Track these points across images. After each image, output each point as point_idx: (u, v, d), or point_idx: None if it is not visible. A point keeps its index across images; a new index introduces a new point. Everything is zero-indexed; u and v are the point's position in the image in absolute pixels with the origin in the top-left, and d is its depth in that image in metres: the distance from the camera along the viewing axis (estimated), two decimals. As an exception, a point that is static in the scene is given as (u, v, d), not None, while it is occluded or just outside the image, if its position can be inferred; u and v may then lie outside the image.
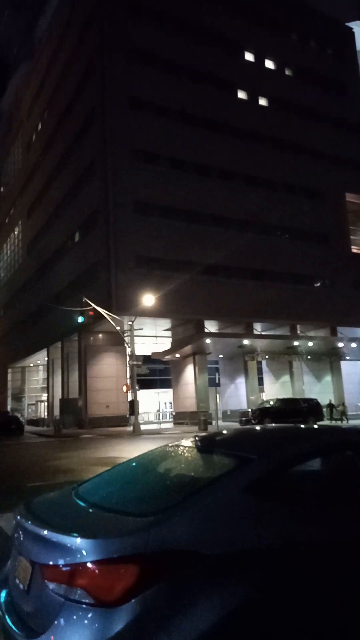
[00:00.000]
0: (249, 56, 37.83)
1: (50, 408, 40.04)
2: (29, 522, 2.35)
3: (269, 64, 38.70)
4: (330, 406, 32.74)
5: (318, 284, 36.83)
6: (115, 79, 31.34)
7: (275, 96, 37.66)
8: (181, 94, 32.98)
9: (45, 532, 2.19)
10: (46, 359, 41.59)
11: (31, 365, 50.39)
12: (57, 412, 36.97)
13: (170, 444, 3.30)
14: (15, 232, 53.21)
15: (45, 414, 41.84)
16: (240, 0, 37.30)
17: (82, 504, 2.54)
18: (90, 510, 2.45)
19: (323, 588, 2.12)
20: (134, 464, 3.20)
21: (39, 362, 47.50)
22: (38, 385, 50.75)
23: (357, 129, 40.49)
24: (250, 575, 2.01)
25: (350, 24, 44.10)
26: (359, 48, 44.10)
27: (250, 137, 35.24)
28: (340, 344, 36.17)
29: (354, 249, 39.08)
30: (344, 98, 41.16)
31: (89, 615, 1.91)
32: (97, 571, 1.95)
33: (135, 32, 32.46)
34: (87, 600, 1.93)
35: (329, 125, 38.98)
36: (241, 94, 36.67)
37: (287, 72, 39.51)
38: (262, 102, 37.48)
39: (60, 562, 2.03)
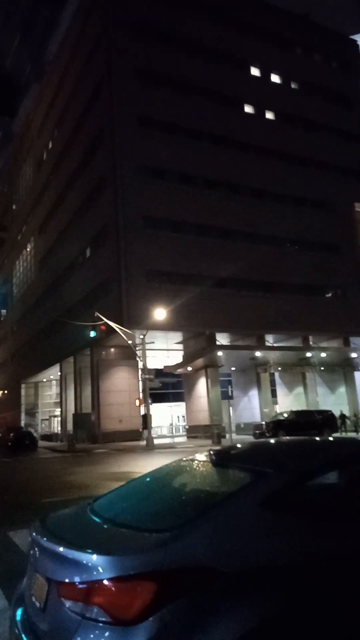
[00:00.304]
0: (254, 71, 38.26)
1: (63, 423, 40.05)
2: (45, 539, 2.34)
3: (275, 78, 39.10)
4: (342, 417, 32.19)
5: (329, 295, 36.65)
6: (123, 98, 31.86)
7: (282, 110, 37.97)
8: (188, 111, 33.39)
9: (61, 548, 2.18)
10: (59, 374, 41.75)
11: (44, 380, 50.59)
12: (70, 427, 36.96)
13: (184, 459, 3.28)
14: (28, 249, 53.89)
15: (59, 429, 41.85)
16: (245, 17, 37.85)
17: (97, 520, 2.52)
18: (106, 526, 2.44)
19: (344, 602, 2.08)
20: (148, 479, 3.18)
21: (51, 377, 47.68)
22: (51, 400, 50.84)
23: (365, 140, 40.59)
24: (270, 591, 1.98)
25: (355, 37, 44.52)
26: (365, 60, 44.34)
27: (258, 150, 35.49)
28: (354, 355, 35.83)
29: (365, 259, 38.89)
30: (349, 110, 41.38)
31: (106, 634, 1.89)
32: (113, 589, 1.93)
33: (142, 51, 33.04)
34: (104, 619, 1.91)
35: (335, 138, 39.14)
36: (248, 109, 37.03)
37: (293, 85, 39.85)
38: (269, 115, 37.80)
39: (77, 579, 2.01)
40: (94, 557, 2.03)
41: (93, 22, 35.61)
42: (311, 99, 39.26)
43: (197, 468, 3.08)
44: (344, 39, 43.44)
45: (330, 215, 37.18)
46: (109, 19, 33.64)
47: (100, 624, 1.91)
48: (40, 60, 49.25)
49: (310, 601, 2.02)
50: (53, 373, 45.02)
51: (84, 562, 2.03)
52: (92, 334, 26.59)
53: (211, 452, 3.28)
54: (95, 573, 1.97)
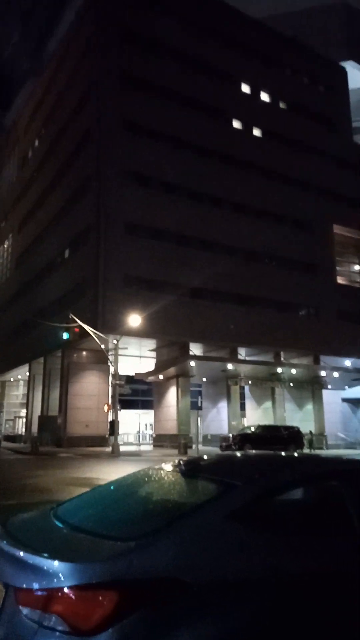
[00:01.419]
0: (243, 87, 38.87)
1: (28, 424, 39.30)
2: (4, 542, 2.26)
3: (264, 96, 39.79)
4: (311, 435, 32.37)
5: (303, 312, 37.22)
6: (111, 103, 31.88)
7: (268, 127, 38.62)
8: (175, 121, 33.63)
9: (21, 553, 2.10)
10: (27, 374, 41.01)
11: (11, 379, 49.60)
12: (35, 429, 36.29)
13: (153, 467, 3.24)
14: (5, 246, 53.02)
15: (23, 430, 41.03)
16: (236, 34, 38.47)
17: (60, 525, 2.46)
18: (69, 532, 2.38)
19: (310, 619, 2.07)
20: (115, 486, 3.13)
21: (19, 377, 46.79)
22: (17, 400, 49.88)
23: (346, 164, 41.65)
24: (234, 605, 1.96)
25: (343, 64, 45.78)
26: (351, 87, 45.67)
27: (242, 165, 35.95)
28: (323, 373, 36.37)
29: (340, 280, 39.72)
30: (334, 133, 42.40)
31: (64, 644, 1.83)
32: (74, 597, 1.87)
33: (132, 58, 33.19)
34: (62, 628, 1.85)
35: (319, 159, 40.00)
36: (235, 123, 37.54)
37: (280, 105, 40.63)
38: (255, 132, 38.38)
39: (36, 585, 1.94)
40: (55, 563, 1.96)
41: (86, 24, 35.63)
42: (297, 120, 40.09)
43: (165, 477, 3.05)
44: (332, 64, 44.61)
45: (309, 235, 37.87)
46: (100, 23, 33.73)
47: (58, 633, 1.85)
48: (40, 56, 48.84)
49: (276, 617, 2.01)
50: (21, 373, 44.20)
51: (45, 568, 1.96)
52: (65, 335, 26.25)
53: (180, 462, 3.25)
54: (55, 580, 1.90)
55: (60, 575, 1.91)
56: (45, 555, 2.03)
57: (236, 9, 39.54)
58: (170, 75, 34.30)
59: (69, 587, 1.88)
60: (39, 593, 1.92)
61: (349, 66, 46.21)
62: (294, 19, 47.74)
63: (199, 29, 36.50)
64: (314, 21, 47.62)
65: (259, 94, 39.57)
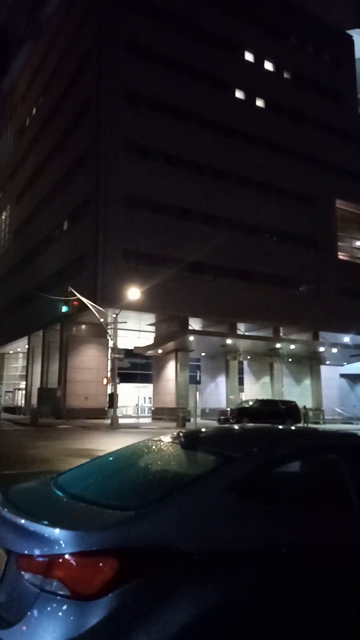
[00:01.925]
0: (247, 57, 37.82)
1: (28, 397, 39.66)
2: (6, 510, 2.29)
3: (268, 66, 38.75)
4: (305, 410, 31.97)
5: (303, 288, 37.14)
6: (112, 72, 31.04)
7: (272, 99, 37.74)
8: (178, 91, 32.83)
9: (23, 520, 2.14)
10: (27, 347, 41.18)
11: (11, 352, 49.82)
12: (34, 401, 36.63)
13: (152, 439, 3.27)
14: (3, 217, 52.46)
15: (23, 402, 41.42)
16: (240, 2, 37.20)
17: (61, 494, 2.49)
18: (70, 501, 2.41)
19: (306, 591, 2.12)
20: (115, 457, 3.16)
21: (19, 349, 46.99)
22: (17, 372, 50.16)
23: (351, 138, 40.86)
24: (231, 575, 2.00)
25: (350, 32, 44.31)
26: (358, 56, 44.36)
27: (245, 137, 35.27)
28: (322, 349, 36.56)
29: (341, 256, 39.49)
30: (339, 106, 41.45)
31: (64, 608, 1.87)
32: (75, 563, 1.91)
33: (134, 26, 32.16)
34: (63, 592, 1.89)
35: (323, 132, 39.22)
36: (238, 94, 36.69)
37: (285, 75, 39.62)
38: (259, 103, 37.54)
39: (37, 552, 1.98)
40: (57, 531, 2.00)
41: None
42: (302, 91, 39.14)
43: (165, 449, 3.07)
44: (338, 32, 43.19)
45: (311, 210, 37.45)
46: (104, -14, 32.52)
47: (59, 598, 1.89)
48: (38, 17, 46.83)
49: (272, 588, 2.05)
50: (20, 346, 44.36)
51: (46, 535, 2.00)
52: (64, 309, 26.22)
53: (180, 434, 3.28)
54: (57, 547, 1.94)
55: (61, 542, 1.95)
56: (46, 522, 2.07)
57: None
58: (172, 44, 33.31)
59: (70, 554, 1.92)
60: (40, 559, 1.96)
61: (357, 35, 44.74)
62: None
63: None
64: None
65: (263, 63, 38.52)
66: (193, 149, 32.60)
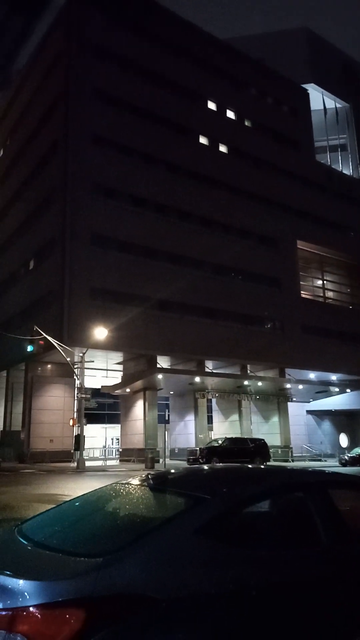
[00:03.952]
0: (210, 106, 39.63)
1: (-10, 440, 38.07)
2: (-33, 562, 2.19)
3: (230, 114, 40.67)
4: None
5: (268, 326, 37.81)
6: (79, 116, 31.86)
7: (234, 145, 39.45)
8: (143, 136, 33.89)
9: (-16, 572, 2.05)
10: (-11, 388, 39.84)
11: (-27, 394, 48.04)
12: (-3, 444, 35.20)
13: (120, 482, 3.21)
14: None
15: (-16, 446, 39.69)
16: (204, 55, 39.29)
17: (25, 542, 2.41)
18: (35, 549, 2.32)
19: (277, 631, 2.09)
20: (82, 502, 3.08)
21: (-19, 391, 45.38)
22: (-22, 415, 48.26)
23: (308, 183, 42.93)
24: (201, 619, 1.96)
25: (306, 86, 47.41)
26: (313, 108, 47.28)
27: (208, 181, 36.48)
28: (288, 385, 36.96)
29: (303, 294, 40.64)
30: (297, 152, 43.68)
31: (29, 665, 1.78)
32: (40, 616, 1.83)
33: (102, 74, 33.35)
34: (27, 649, 1.80)
35: (282, 177, 41.06)
36: (202, 140, 38.15)
37: (246, 123, 41.62)
38: (222, 149, 39.12)
39: (0, 605, 1.90)
40: (20, 581, 1.92)
41: (57, 39, 35.54)
42: (262, 138, 41.12)
43: (133, 492, 3.02)
44: (295, 86, 46.11)
45: (273, 250, 38.66)
46: (72, 37, 33.77)
47: (23, 655, 1.80)
48: (8, 70, 48.09)
49: (243, 629, 2.02)
50: (-17, 387, 42.89)
51: (9, 586, 1.91)
52: (30, 348, 25.74)
53: (148, 476, 3.24)
54: (20, 599, 1.86)
55: (25, 593, 1.86)
56: (9, 573, 1.98)
57: (205, 31, 40.57)
58: (138, 91, 34.63)
59: (35, 606, 1.83)
60: (3, 613, 1.87)
61: (311, 89, 47.90)
62: (259, 41, 49.17)
63: (170, 48, 37.12)
64: (277, 45, 49.14)
65: (226, 112, 40.43)
66: (158, 190, 33.44)
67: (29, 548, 2.35)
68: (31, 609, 1.83)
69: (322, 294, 43.52)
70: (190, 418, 36.24)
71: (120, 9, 35.25)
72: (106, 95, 33.21)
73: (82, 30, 33.76)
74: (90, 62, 33.20)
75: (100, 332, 26.18)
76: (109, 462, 31.86)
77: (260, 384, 35.47)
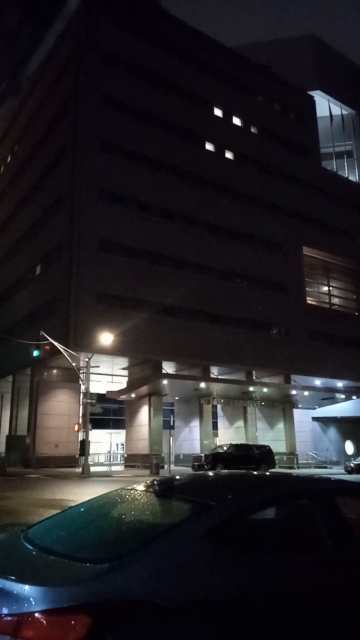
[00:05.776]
0: (217, 112, 39.80)
1: (-5, 445, 38.13)
2: (-27, 567, 2.20)
3: (236, 121, 40.83)
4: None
5: (274, 332, 37.71)
6: (87, 122, 32.12)
7: (240, 151, 39.57)
8: (150, 142, 34.08)
9: (-10, 577, 2.06)
10: (-5, 392, 39.97)
11: (-21, 398, 48.18)
12: (2, 449, 35.26)
13: (126, 488, 3.21)
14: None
15: (-10, 451, 39.75)
16: (212, 61, 39.58)
17: (31, 548, 2.41)
18: (40, 555, 2.33)
19: (282, 638, 2.08)
20: (87, 507, 3.08)
21: (-13, 395, 45.51)
22: (-16, 420, 48.38)
23: (315, 189, 42.93)
24: (207, 625, 1.96)
25: (312, 93, 47.55)
26: (319, 115, 47.37)
27: (214, 187, 36.58)
28: (294, 392, 36.78)
29: (309, 300, 40.53)
30: (303, 159, 43.73)
31: (35, 671, 1.78)
32: (45, 622, 1.83)
33: (110, 80, 33.64)
34: (32, 654, 1.80)
35: (289, 183, 41.09)
36: (208, 146, 38.30)
37: (252, 130, 41.74)
38: (228, 155, 39.25)
39: (5, 610, 1.89)
40: (26, 587, 1.92)
41: (65, 44, 35.97)
42: (268, 144, 41.22)
43: (139, 498, 3.03)
44: (302, 92, 46.25)
45: (279, 256, 38.64)
46: (80, 44, 34.14)
47: (28, 660, 1.80)
48: (19, 76, 48.63)
49: (248, 637, 2.01)
50: (-11, 391, 43.01)
51: (15, 592, 1.92)
52: (35, 353, 25.78)
53: (153, 482, 3.24)
54: (26, 605, 1.86)
55: (30, 599, 1.87)
56: (14, 578, 1.99)
57: (212, 38, 40.89)
58: (146, 97, 34.88)
59: (40, 612, 1.84)
60: (9, 618, 1.87)
61: (317, 95, 48.04)
62: (266, 48, 49.46)
63: (177, 54, 37.42)
64: (285, 51, 49.42)
65: (232, 118, 40.59)
66: (165, 196, 33.57)
67: (35, 553, 2.36)
68: (36, 614, 1.84)
69: (327, 300, 43.38)
70: (195, 424, 36.13)
71: (129, 16, 35.62)
72: (114, 102, 33.46)
73: (91, 37, 34.11)
74: (98, 69, 33.49)
75: (105, 337, 26.21)
76: (113, 468, 31.80)
77: (265, 390, 35.33)
